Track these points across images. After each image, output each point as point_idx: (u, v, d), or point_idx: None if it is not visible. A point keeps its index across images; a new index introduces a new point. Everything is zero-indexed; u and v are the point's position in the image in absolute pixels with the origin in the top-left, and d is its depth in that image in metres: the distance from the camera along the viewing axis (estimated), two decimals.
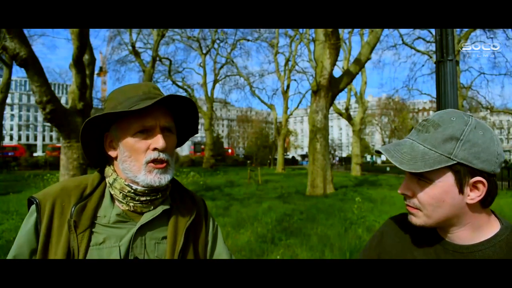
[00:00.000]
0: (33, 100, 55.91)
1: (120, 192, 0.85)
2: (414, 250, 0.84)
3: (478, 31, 17.15)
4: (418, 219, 0.77)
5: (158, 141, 0.82)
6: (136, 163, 0.83)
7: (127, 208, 0.86)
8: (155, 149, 0.82)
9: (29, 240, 0.81)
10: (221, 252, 0.97)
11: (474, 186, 0.71)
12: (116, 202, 0.87)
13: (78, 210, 0.81)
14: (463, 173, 0.70)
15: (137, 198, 0.85)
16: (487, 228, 0.76)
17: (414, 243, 0.85)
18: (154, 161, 0.83)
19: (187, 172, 15.68)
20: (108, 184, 0.88)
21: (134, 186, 0.85)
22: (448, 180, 0.72)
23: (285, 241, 5.17)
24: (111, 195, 0.87)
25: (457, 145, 0.70)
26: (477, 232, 0.75)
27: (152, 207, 0.87)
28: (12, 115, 71.94)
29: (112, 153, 0.87)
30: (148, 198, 0.86)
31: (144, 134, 0.83)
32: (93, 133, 0.87)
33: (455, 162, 0.70)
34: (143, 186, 0.84)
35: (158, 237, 0.86)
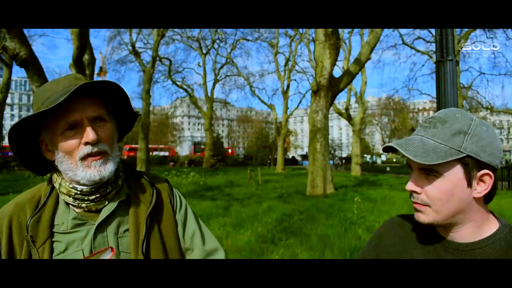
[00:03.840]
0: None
1: (69, 196, 0.82)
2: (414, 249, 0.84)
3: (478, 31, 17.16)
4: (426, 216, 0.77)
5: (88, 134, 0.78)
6: (72, 160, 0.80)
7: (81, 210, 0.83)
8: (86, 143, 0.79)
9: None
10: (194, 230, 0.94)
11: (481, 180, 0.74)
12: (71, 206, 0.84)
13: (33, 224, 0.79)
14: (471, 166, 0.73)
15: (86, 198, 0.82)
16: (487, 226, 0.77)
17: (413, 243, 0.85)
18: (89, 155, 0.79)
19: (187, 172, 15.68)
20: (56, 187, 0.85)
21: (79, 187, 0.82)
22: (457, 173, 0.73)
23: (285, 241, 5.17)
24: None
25: (466, 139, 0.72)
26: (478, 230, 0.77)
27: (106, 202, 0.84)
28: (12, 115, 71.94)
29: (50, 157, 0.84)
30: (98, 195, 0.83)
31: (73, 130, 0.79)
32: (25, 140, 0.83)
33: (464, 155, 0.72)
34: (86, 184, 0.81)
35: (120, 231, 0.84)
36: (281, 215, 7.23)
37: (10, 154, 35.04)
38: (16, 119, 71.92)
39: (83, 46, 7.04)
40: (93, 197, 0.82)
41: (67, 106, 0.77)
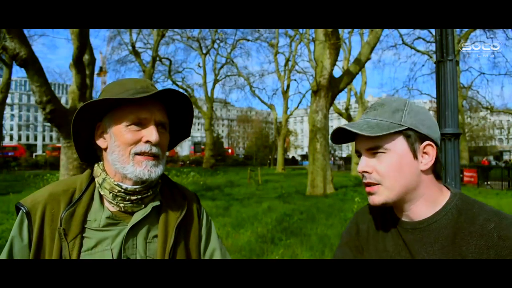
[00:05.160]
0: (33, 100, 55.89)
1: (110, 193, 0.84)
2: (383, 234, 0.87)
3: (478, 31, 17.16)
4: (379, 196, 0.79)
5: (152, 134, 0.81)
6: (124, 152, 0.82)
7: (117, 209, 0.85)
8: (147, 141, 0.82)
9: (23, 255, 0.80)
10: (215, 248, 0.96)
11: (425, 152, 0.78)
12: (106, 203, 0.85)
13: (67, 217, 0.80)
14: (413, 138, 0.78)
15: (127, 197, 0.84)
16: (441, 200, 0.79)
17: (384, 228, 0.87)
18: (144, 153, 0.82)
19: (187, 172, 15.68)
20: (97, 185, 0.86)
21: (124, 185, 0.83)
22: (401, 145, 0.78)
23: (285, 241, 5.17)
24: (100, 197, 0.86)
25: (404, 114, 0.78)
26: (432, 204, 0.79)
27: (142, 206, 0.86)
28: (12, 115, 71.91)
29: (102, 144, 0.86)
30: (139, 196, 0.85)
31: (138, 126, 0.82)
32: (85, 122, 0.85)
33: (405, 127, 0.77)
34: (132, 179, 0.83)
35: (149, 236, 0.85)
36: (281, 215, 7.23)
37: (10, 154, 35.03)
38: (16, 119, 72.06)
39: (83, 46, 7.04)
40: (135, 197, 0.84)
41: (141, 104, 0.82)
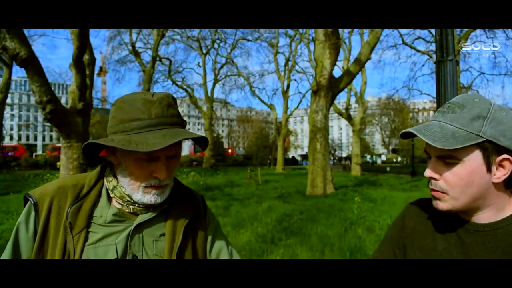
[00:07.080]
0: (33, 100, 55.80)
1: (120, 198, 0.86)
2: (435, 233, 0.83)
3: (478, 31, 17.13)
4: (444, 203, 0.76)
5: (162, 172, 0.82)
6: (135, 182, 0.83)
7: (126, 209, 0.86)
8: (156, 177, 0.82)
9: (29, 247, 0.80)
10: (221, 247, 0.97)
11: (500, 165, 0.72)
12: (114, 202, 0.87)
13: (74, 211, 0.81)
14: (490, 150, 0.71)
15: (136, 205, 0.85)
16: (510, 208, 0.76)
17: (435, 226, 0.84)
18: (153, 186, 0.83)
19: (187, 172, 15.68)
20: (107, 186, 0.87)
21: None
22: (476, 158, 0.72)
23: (285, 241, 5.17)
24: (108, 195, 0.87)
25: (485, 123, 0.71)
26: (499, 212, 0.76)
27: (151, 208, 0.87)
28: (12, 115, 71.87)
29: (113, 160, 0.86)
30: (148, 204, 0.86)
31: (147, 161, 0.81)
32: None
33: (484, 139, 0.70)
34: (139, 204, 0.85)
35: (156, 235, 0.86)
36: (281, 215, 7.23)
37: (10, 154, 35.01)
38: (16, 119, 72.03)
39: (83, 46, 7.04)
40: (144, 205, 0.86)
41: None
